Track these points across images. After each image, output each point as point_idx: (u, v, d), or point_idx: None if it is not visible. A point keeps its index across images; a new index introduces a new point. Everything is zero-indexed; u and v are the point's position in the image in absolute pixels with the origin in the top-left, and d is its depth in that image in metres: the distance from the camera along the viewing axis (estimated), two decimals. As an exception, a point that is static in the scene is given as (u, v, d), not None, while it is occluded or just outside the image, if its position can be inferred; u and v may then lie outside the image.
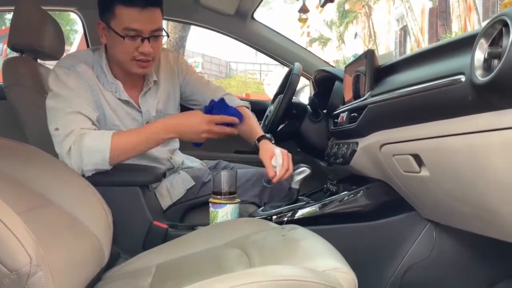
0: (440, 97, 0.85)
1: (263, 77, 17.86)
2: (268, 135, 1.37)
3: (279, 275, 0.68)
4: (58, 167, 1.09)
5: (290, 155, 1.27)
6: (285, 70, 1.85)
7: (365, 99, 1.17)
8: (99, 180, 1.16)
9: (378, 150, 1.10)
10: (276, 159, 1.25)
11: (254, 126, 1.42)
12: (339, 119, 1.37)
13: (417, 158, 0.96)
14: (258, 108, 2.02)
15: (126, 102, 1.32)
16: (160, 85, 1.41)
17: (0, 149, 1.05)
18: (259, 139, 1.35)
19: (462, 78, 0.77)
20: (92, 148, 1.16)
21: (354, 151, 1.20)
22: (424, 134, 0.92)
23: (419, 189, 1.06)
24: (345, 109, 1.32)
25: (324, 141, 1.60)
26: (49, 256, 0.79)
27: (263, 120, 1.76)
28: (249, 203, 1.49)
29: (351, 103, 1.27)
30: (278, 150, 1.26)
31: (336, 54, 17.03)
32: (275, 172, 1.24)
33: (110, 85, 1.29)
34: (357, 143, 1.20)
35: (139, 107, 1.35)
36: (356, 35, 18.70)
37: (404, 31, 15.16)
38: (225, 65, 19.91)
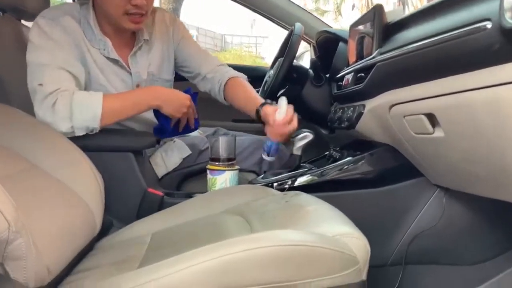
0: (459, 48, 0.77)
1: (259, 51, 17.60)
2: (269, 101, 1.30)
3: (286, 240, 0.62)
4: (43, 130, 1.02)
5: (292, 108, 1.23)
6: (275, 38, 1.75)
7: (373, 58, 1.09)
8: (89, 144, 1.08)
9: (387, 112, 1.03)
10: (281, 106, 1.21)
11: (253, 96, 1.36)
12: (343, 81, 1.29)
13: (430, 118, 0.89)
14: (256, 75, 1.94)
15: (114, 61, 1.23)
16: (152, 45, 1.32)
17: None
18: (261, 105, 1.28)
19: (488, 24, 0.69)
20: (82, 103, 1.08)
21: (360, 114, 1.12)
22: (440, 91, 0.84)
23: (430, 153, 0.99)
24: (350, 70, 1.24)
25: (326, 107, 1.52)
26: (33, 223, 0.72)
27: (262, 86, 1.68)
28: (248, 171, 1.43)
29: (357, 63, 1.19)
30: (282, 97, 1.22)
31: (334, 26, 16.70)
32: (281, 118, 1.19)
33: (98, 42, 1.20)
34: (363, 106, 1.13)
35: (129, 67, 1.26)
36: (353, 6, 18.34)
37: (403, 2, 14.86)
38: (220, 38, 19.52)
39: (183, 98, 1.23)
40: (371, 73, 1.07)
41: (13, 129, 0.98)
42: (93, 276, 0.77)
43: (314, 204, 0.88)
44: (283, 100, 1.20)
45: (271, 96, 1.50)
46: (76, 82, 1.13)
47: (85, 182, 1.01)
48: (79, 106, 1.08)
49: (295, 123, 1.20)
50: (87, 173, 1.04)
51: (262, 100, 1.31)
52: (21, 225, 0.61)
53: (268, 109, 1.24)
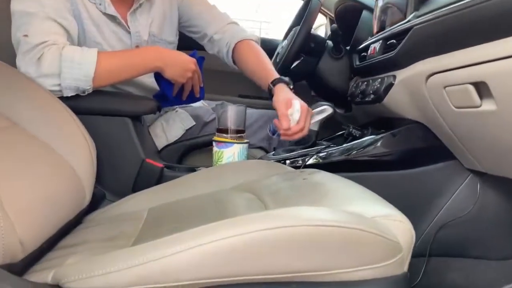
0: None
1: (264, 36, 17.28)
2: (286, 79, 1.15)
3: (315, 219, 0.49)
4: (28, 84, 0.88)
5: (311, 111, 1.07)
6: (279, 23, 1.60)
7: (408, 21, 0.96)
8: (81, 106, 0.95)
9: (423, 83, 0.90)
10: (293, 113, 1.02)
11: (265, 65, 1.19)
12: (369, 51, 1.15)
13: (477, 88, 0.76)
14: (269, 48, 1.80)
15: (112, 18, 1.09)
16: (153, 3, 1.18)
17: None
18: (274, 82, 1.12)
19: None
20: (73, 60, 0.94)
21: (390, 85, 0.99)
22: (494, 54, 0.71)
23: (471, 129, 0.86)
24: (379, 37, 1.10)
25: (343, 83, 1.39)
26: (6, 187, 0.60)
27: (273, 58, 1.54)
28: (256, 147, 1.30)
29: (388, 29, 1.05)
30: (297, 102, 1.04)
31: None
32: (289, 125, 1.02)
33: None
34: (394, 76, 1.00)
35: (128, 26, 1.12)
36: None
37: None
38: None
39: (188, 61, 1.09)
40: (406, 38, 0.93)
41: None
42: (78, 253, 0.64)
43: (339, 182, 0.76)
44: (296, 105, 1.02)
45: (284, 69, 1.36)
46: (67, 36, 0.99)
47: (74, 148, 0.89)
48: (70, 62, 0.94)
49: (305, 131, 1.04)
50: (78, 138, 0.91)
51: (274, 73, 1.15)
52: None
53: (280, 104, 1.05)
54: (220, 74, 1.63)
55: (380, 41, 1.09)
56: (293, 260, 0.48)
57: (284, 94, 1.08)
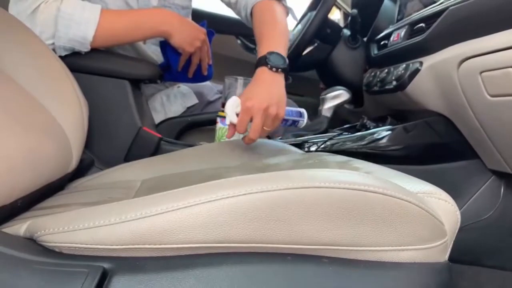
0: None
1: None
2: (278, 59, 0.81)
3: (355, 183, 0.40)
4: (20, 30, 0.78)
5: (255, 112, 0.75)
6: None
7: (441, 3, 0.89)
8: (77, 63, 0.86)
9: (455, 68, 0.82)
10: (228, 106, 0.77)
11: (265, 34, 0.91)
12: (391, 38, 1.08)
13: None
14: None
15: None
16: None
17: None
18: (258, 63, 0.82)
19: None
20: (72, 17, 0.84)
21: (416, 71, 0.91)
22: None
23: (506, 122, 0.79)
24: (405, 22, 1.03)
25: (357, 75, 1.31)
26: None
27: (284, 45, 1.46)
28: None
29: (417, 12, 0.98)
30: (233, 98, 0.78)
31: None
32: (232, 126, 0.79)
33: None
34: (420, 63, 0.92)
35: None
36: None
37: None
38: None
39: (198, 30, 1.00)
40: (439, 20, 0.86)
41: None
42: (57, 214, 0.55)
43: (361, 162, 0.67)
44: (229, 103, 0.77)
45: (296, 55, 1.29)
46: None
47: (65, 105, 0.79)
48: (67, 20, 0.85)
49: (253, 136, 0.77)
50: (70, 95, 0.81)
51: (268, 47, 0.84)
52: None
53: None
54: (227, 60, 1.55)
55: (406, 27, 1.01)
56: (326, 229, 0.39)
57: (254, 84, 0.79)
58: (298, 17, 1.48)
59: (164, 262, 0.38)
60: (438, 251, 0.45)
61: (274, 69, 0.81)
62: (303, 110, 0.94)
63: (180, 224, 0.37)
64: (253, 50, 1.77)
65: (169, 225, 0.38)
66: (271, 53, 0.83)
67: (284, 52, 0.86)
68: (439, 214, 0.45)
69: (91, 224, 0.39)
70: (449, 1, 0.86)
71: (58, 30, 0.84)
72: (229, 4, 1.13)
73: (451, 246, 0.48)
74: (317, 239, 0.39)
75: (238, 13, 1.12)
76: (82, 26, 0.85)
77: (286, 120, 0.92)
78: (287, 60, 0.83)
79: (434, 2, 1.02)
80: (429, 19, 0.91)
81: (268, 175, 0.41)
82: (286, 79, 0.83)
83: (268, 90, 0.78)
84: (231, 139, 0.93)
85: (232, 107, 0.77)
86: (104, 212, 0.40)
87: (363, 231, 0.40)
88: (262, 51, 0.85)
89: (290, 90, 1.74)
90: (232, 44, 1.68)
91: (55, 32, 0.84)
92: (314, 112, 1.56)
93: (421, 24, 0.94)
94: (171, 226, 0.38)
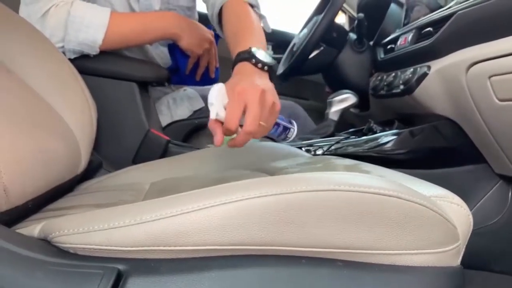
0: None
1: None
2: (258, 52, 0.67)
3: (370, 186, 0.40)
4: (30, 32, 0.79)
5: (255, 100, 0.58)
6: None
7: (450, 7, 0.89)
8: (86, 65, 0.86)
9: (464, 73, 0.82)
10: (213, 95, 0.59)
11: (241, 30, 0.80)
12: (398, 42, 1.08)
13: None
14: (283, 40, 1.72)
15: None
16: None
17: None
18: (238, 59, 0.68)
19: None
20: (82, 21, 0.85)
21: (423, 76, 0.91)
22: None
23: (514, 127, 0.79)
24: (412, 26, 1.03)
25: (363, 79, 1.31)
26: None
27: (289, 48, 1.46)
28: (265, 137, 1.22)
29: (425, 17, 0.98)
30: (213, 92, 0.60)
31: None
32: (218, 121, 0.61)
33: None
34: (428, 67, 0.92)
35: None
36: None
37: None
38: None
39: (206, 31, 1.01)
40: (447, 25, 0.86)
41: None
42: (70, 215, 0.55)
43: (370, 166, 0.67)
44: (214, 91, 0.60)
45: (302, 58, 1.28)
46: None
47: (75, 108, 0.79)
48: (78, 24, 0.85)
49: (250, 128, 0.59)
50: (79, 98, 0.82)
51: (247, 42, 0.71)
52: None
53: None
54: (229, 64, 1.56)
55: (413, 31, 1.01)
56: (341, 232, 0.39)
57: (237, 78, 0.64)
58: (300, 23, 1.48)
59: (179, 264, 0.38)
60: (451, 255, 0.45)
61: (259, 65, 0.65)
62: (292, 120, 0.83)
63: (195, 226, 0.38)
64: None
65: (184, 227, 0.38)
66: (255, 48, 0.68)
67: (262, 48, 0.70)
68: (452, 218, 0.45)
69: (105, 225, 0.39)
70: (457, 6, 0.86)
71: (68, 34, 0.84)
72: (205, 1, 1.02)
73: (463, 250, 0.48)
74: (332, 242, 0.39)
75: (207, 9, 1.01)
76: (92, 30, 0.86)
77: (278, 125, 0.79)
78: (271, 58, 0.68)
79: (441, 7, 1.02)
80: (437, 24, 0.91)
81: (283, 177, 0.41)
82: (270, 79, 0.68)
83: (260, 78, 0.63)
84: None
85: (218, 96, 0.58)
86: (119, 213, 0.40)
87: (377, 234, 0.40)
88: (242, 46, 0.69)
89: (295, 94, 1.76)
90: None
91: (65, 35, 0.84)
92: (319, 115, 1.56)
93: (428, 28, 0.94)
94: (186, 228, 0.38)
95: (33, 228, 0.43)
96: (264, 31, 0.86)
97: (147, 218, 0.38)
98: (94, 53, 0.88)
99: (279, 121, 0.74)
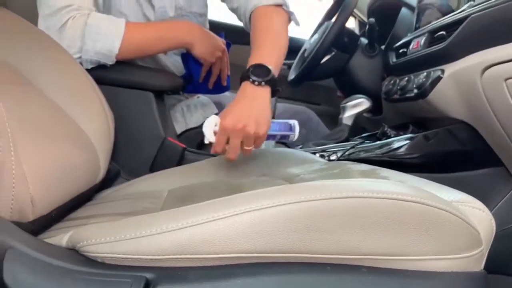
0: None
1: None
2: (266, 74, 0.76)
3: (394, 192, 0.41)
4: (49, 44, 0.81)
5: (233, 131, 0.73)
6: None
7: (463, 10, 0.89)
8: (102, 75, 0.88)
9: (478, 76, 0.82)
10: (206, 126, 0.77)
11: (256, 44, 0.86)
12: (411, 46, 1.08)
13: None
14: (293, 45, 1.72)
15: None
16: None
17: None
18: (243, 77, 0.78)
19: None
20: (99, 30, 0.87)
21: (437, 79, 0.91)
22: None
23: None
24: (425, 30, 1.03)
25: (375, 83, 1.31)
26: (26, 145, 0.52)
27: (300, 54, 1.47)
28: (278, 142, 1.23)
29: (437, 21, 0.98)
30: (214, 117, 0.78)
31: None
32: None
33: None
34: (442, 70, 0.92)
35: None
36: None
37: None
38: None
39: (218, 39, 1.02)
40: (460, 28, 0.86)
41: (8, 35, 0.76)
42: (93, 223, 0.56)
43: (387, 171, 0.67)
44: (207, 122, 0.77)
45: (314, 64, 1.29)
46: (92, 2, 0.92)
47: (93, 118, 0.81)
48: (95, 34, 0.87)
49: (230, 156, 0.76)
50: (97, 108, 0.83)
51: (257, 60, 0.79)
52: (0, 121, 0.41)
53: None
54: (244, 70, 1.57)
55: (426, 35, 1.02)
56: (365, 239, 0.40)
57: (235, 101, 0.76)
58: (311, 26, 1.49)
59: (205, 271, 0.39)
60: (474, 260, 0.45)
61: (256, 82, 0.76)
62: (293, 123, 0.86)
63: (220, 234, 0.38)
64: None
65: (210, 235, 0.38)
66: (255, 65, 0.78)
67: (273, 62, 0.80)
68: (474, 222, 0.46)
69: (132, 234, 0.40)
70: (470, 9, 0.86)
71: (85, 44, 0.86)
72: (233, 10, 1.07)
73: (486, 255, 0.48)
74: (356, 248, 0.40)
75: (240, 20, 1.06)
76: (108, 40, 0.87)
77: (274, 136, 0.85)
78: (272, 72, 0.77)
79: (453, 10, 1.02)
80: (450, 27, 0.91)
81: (306, 185, 0.42)
82: (275, 91, 0.78)
83: (248, 107, 0.74)
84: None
85: (210, 126, 0.76)
86: (145, 222, 0.41)
87: (401, 240, 0.40)
88: (249, 63, 0.80)
89: (307, 99, 1.77)
90: (249, 54, 1.70)
91: (83, 45, 0.86)
92: (331, 120, 1.56)
93: (441, 32, 0.94)
94: (212, 236, 0.38)
95: (61, 237, 0.44)
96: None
97: (173, 226, 0.39)
98: (111, 63, 0.89)
99: (274, 133, 0.83)
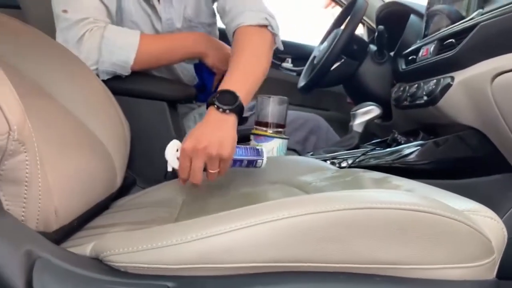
0: None
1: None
2: (225, 98, 0.75)
3: (408, 203, 0.42)
4: (67, 57, 0.83)
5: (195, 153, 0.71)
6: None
7: (472, 19, 0.90)
8: (118, 86, 0.90)
9: (489, 83, 0.83)
10: (168, 151, 0.75)
11: (231, 68, 0.82)
12: (420, 53, 1.09)
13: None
14: (302, 52, 1.75)
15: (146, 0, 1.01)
16: None
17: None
18: (209, 102, 0.75)
19: None
20: (115, 43, 0.89)
21: (447, 86, 0.92)
22: None
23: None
24: (434, 38, 1.04)
25: (384, 90, 1.32)
26: (49, 156, 0.54)
27: (309, 61, 1.48)
28: (289, 149, 1.24)
29: (446, 28, 0.99)
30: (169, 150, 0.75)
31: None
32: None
33: None
34: (451, 77, 0.93)
35: (159, 12, 1.01)
36: None
37: None
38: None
39: (229, 48, 1.04)
40: (470, 36, 0.87)
41: (30, 50, 0.79)
42: (113, 232, 0.58)
43: (399, 179, 0.68)
44: (168, 147, 0.75)
45: (323, 71, 1.30)
46: (106, 13, 0.94)
47: (110, 128, 0.83)
48: (111, 46, 0.90)
49: (193, 180, 0.72)
50: (113, 118, 0.86)
51: (226, 85, 0.77)
52: (28, 136, 0.43)
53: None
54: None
55: (435, 42, 1.02)
56: (379, 249, 0.41)
57: (200, 125, 0.74)
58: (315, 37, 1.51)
59: (224, 281, 0.40)
60: (486, 268, 0.46)
61: (221, 109, 0.74)
62: (261, 148, 0.83)
63: (239, 244, 0.40)
64: (278, 67, 1.80)
65: (229, 245, 0.40)
66: (223, 91, 0.75)
67: (244, 89, 0.77)
68: (486, 231, 0.46)
69: (154, 245, 0.41)
70: (479, 17, 0.87)
71: (102, 56, 0.88)
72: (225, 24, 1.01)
73: (498, 263, 0.49)
74: (370, 258, 0.41)
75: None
76: (124, 51, 0.90)
77: (241, 161, 0.79)
78: (239, 100, 0.75)
79: (463, 17, 1.03)
80: (459, 35, 0.92)
81: (322, 196, 0.43)
82: (241, 119, 0.77)
83: (210, 130, 0.72)
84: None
85: (172, 152, 0.73)
86: (166, 232, 0.43)
87: (414, 249, 0.41)
88: (219, 87, 0.78)
89: (316, 105, 1.78)
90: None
91: (99, 57, 0.88)
92: (341, 126, 1.57)
93: (451, 40, 0.95)
94: (231, 245, 0.40)
95: (85, 247, 0.46)
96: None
97: (193, 237, 0.41)
98: (126, 74, 0.92)
99: (241, 157, 0.78)
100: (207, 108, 0.76)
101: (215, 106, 0.74)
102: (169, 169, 0.73)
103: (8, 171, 0.40)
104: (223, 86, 0.77)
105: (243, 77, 0.81)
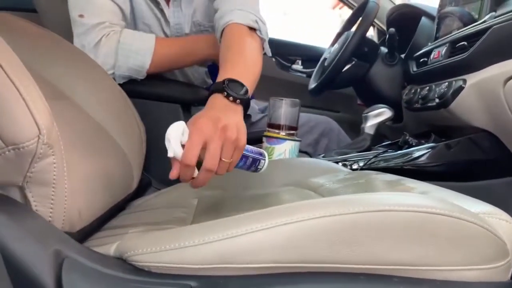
0: None
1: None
2: (235, 86, 0.67)
3: (424, 205, 0.43)
4: (85, 61, 0.85)
5: (216, 145, 0.59)
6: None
7: (484, 21, 0.90)
8: (133, 89, 0.92)
9: (501, 86, 0.83)
10: (170, 133, 0.60)
11: (226, 59, 0.77)
12: (431, 55, 1.09)
13: None
14: (313, 54, 1.76)
15: (155, 3, 1.02)
16: None
17: (14, 28, 0.81)
18: (212, 89, 0.68)
19: None
20: (131, 47, 0.91)
21: (459, 89, 0.93)
22: None
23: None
24: (445, 40, 1.04)
25: (395, 92, 1.33)
26: (71, 157, 0.55)
27: (319, 63, 1.49)
28: (301, 152, 1.25)
29: (458, 31, 1.00)
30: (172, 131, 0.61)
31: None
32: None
33: None
34: (464, 80, 0.93)
35: (168, 17, 1.03)
36: None
37: None
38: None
39: None
40: (482, 39, 0.87)
41: (49, 54, 0.81)
42: (134, 233, 0.59)
43: (412, 182, 0.69)
44: (172, 128, 0.61)
45: (334, 73, 1.31)
46: (122, 16, 0.96)
47: (127, 131, 0.85)
48: (127, 51, 0.91)
49: (210, 165, 0.60)
50: (130, 122, 0.87)
51: (233, 75, 0.69)
52: (56, 139, 0.44)
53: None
54: (264, 79, 1.61)
55: (447, 45, 1.03)
56: (397, 250, 0.42)
57: (202, 112, 0.64)
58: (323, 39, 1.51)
59: (245, 281, 0.42)
60: (501, 270, 0.46)
61: (231, 98, 0.65)
62: (263, 151, 0.76)
63: (261, 245, 0.41)
64: (288, 69, 1.81)
65: (250, 245, 0.41)
66: (232, 80, 0.67)
67: (247, 81, 0.69)
68: (501, 234, 0.47)
69: (176, 245, 0.43)
70: (492, 20, 0.87)
71: (118, 60, 0.90)
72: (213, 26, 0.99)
73: (513, 264, 0.50)
74: (388, 259, 0.42)
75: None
76: (140, 56, 0.92)
77: (246, 158, 0.72)
78: (248, 92, 0.68)
79: (475, 20, 1.03)
80: (471, 38, 0.92)
81: (341, 198, 0.44)
82: (245, 116, 0.68)
83: (226, 114, 0.62)
84: (276, 158, 0.97)
85: (175, 134, 0.58)
86: (188, 233, 0.44)
87: (431, 251, 0.42)
88: (221, 76, 0.69)
89: (326, 106, 1.79)
90: (269, 64, 1.73)
91: (116, 62, 0.90)
92: (351, 127, 1.58)
93: (463, 42, 0.95)
94: (252, 246, 0.41)
95: (108, 247, 0.48)
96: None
97: (215, 237, 0.42)
98: (141, 77, 0.93)
99: (247, 153, 0.70)
100: (209, 95, 0.67)
101: (224, 93, 0.65)
102: (170, 154, 0.59)
103: (37, 174, 0.42)
104: (225, 75, 0.68)
105: (245, 70, 0.74)
